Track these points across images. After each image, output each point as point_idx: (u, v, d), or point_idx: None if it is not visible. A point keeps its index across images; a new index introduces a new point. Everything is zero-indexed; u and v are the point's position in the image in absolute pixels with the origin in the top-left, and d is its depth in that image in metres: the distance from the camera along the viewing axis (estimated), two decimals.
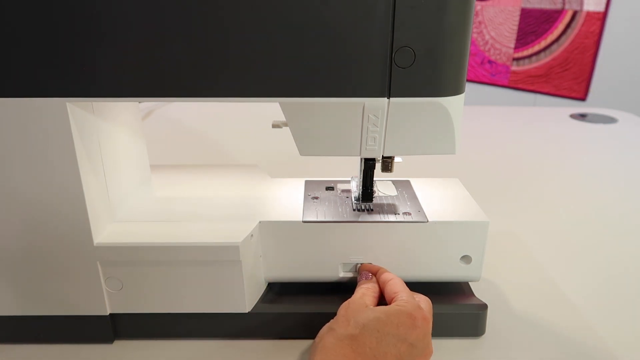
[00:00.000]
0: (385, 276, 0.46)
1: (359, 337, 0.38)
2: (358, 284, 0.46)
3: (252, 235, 0.46)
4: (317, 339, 0.40)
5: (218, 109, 1.34)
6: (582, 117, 1.30)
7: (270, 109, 0.44)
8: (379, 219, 0.48)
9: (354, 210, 0.50)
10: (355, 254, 0.49)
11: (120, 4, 0.36)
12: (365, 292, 0.44)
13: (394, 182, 0.56)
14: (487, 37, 2.39)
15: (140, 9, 0.36)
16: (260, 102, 0.39)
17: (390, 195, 0.53)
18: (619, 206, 0.79)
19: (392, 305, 0.42)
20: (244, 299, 0.47)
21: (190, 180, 0.58)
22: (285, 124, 0.44)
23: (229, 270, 0.45)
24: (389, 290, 0.44)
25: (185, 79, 0.38)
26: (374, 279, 0.47)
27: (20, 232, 0.43)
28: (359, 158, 0.48)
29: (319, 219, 0.48)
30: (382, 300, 0.45)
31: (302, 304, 0.49)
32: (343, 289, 0.48)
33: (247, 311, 0.47)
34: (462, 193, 0.54)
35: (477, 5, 2.37)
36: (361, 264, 0.49)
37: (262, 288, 0.50)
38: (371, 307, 0.42)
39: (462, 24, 0.37)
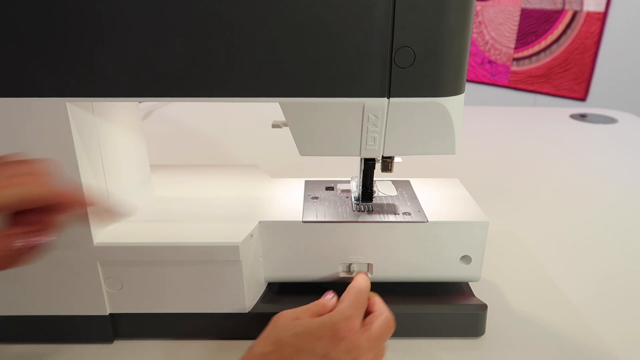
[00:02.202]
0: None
1: (271, 356, 0.35)
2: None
3: (252, 235, 0.46)
4: None
5: (218, 109, 1.34)
6: (582, 117, 1.30)
7: (270, 109, 0.44)
8: (379, 219, 0.48)
9: (354, 210, 0.50)
10: (355, 254, 0.48)
11: (120, 4, 0.36)
12: (309, 306, 0.41)
13: (394, 182, 0.56)
14: (487, 37, 2.39)
15: (140, 8, 0.36)
16: (260, 102, 0.39)
17: (390, 196, 0.53)
18: (619, 206, 0.79)
19: (319, 317, 0.38)
20: (244, 299, 0.47)
21: (190, 180, 0.58)
22: (285, 124, 0.44)
23: (228, 270, 0.45)
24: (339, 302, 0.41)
25: (185, 79, 0.38)
26: (335, 298, 0.42)
27: None
28: (359, 158, 0.48)
29: (318, 219, 0.48)
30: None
31: (302, 304, 0.48)
32: (343, 289, 0.48)
33: (247, 311, 0.47)
34: (462, 193, 0.54)
35: (477, 5, 2.37)
36: (359, 270, 0.48)
37: (262, 288, 0.50)
38: (298, 320, 0.38)
39: (462, 24, 0.37)
